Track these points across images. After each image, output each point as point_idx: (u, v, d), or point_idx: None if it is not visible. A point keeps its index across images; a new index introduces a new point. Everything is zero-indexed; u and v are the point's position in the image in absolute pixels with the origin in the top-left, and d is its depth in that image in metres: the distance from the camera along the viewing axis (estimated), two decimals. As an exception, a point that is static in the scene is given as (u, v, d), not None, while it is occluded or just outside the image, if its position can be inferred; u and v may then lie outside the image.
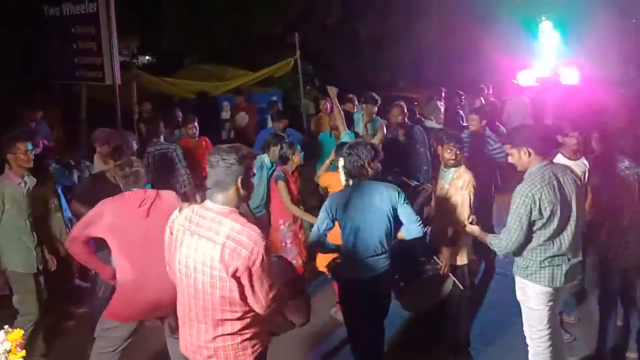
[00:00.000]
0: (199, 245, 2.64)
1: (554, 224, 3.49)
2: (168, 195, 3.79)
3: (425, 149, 6.47)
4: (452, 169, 4.52)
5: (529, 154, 3.56)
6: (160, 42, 15.33)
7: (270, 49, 13.61)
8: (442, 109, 11.34)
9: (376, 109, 6.98)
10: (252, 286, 2.62)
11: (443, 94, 11.45)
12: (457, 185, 4.44)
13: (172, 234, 2.80)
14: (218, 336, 2.74)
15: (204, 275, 2.65)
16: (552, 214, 3.46)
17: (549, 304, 3.65)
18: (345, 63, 17.01)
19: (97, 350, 3.73)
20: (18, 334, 2.29)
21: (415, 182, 5.90)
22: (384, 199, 3.74)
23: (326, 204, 3.83)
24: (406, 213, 3.80)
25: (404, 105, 6.63)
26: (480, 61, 18.66)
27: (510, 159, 3.70)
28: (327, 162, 5.66)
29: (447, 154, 4.49)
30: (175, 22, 14.52)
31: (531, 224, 3.50)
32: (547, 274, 3.59)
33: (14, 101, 8.58)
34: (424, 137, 6.59)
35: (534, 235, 3.55)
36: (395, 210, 3.76)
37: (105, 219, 3.58)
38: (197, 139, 6.99)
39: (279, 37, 14.06)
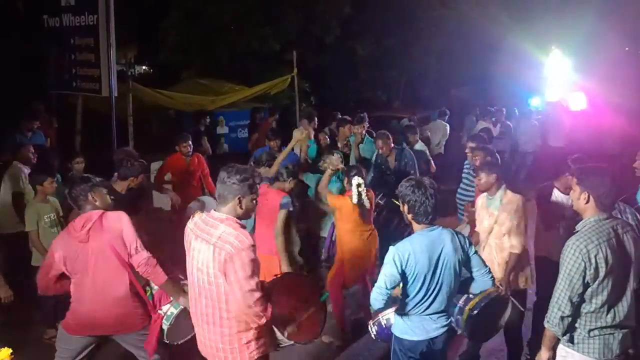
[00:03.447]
0: (200, 247, 2.99)
1: (608, 289, 3.05)
2: (113, 216, 3.73)
3: (415, 171, 6.58)
4: (498, 195, 4.45)
5: (588, 201, 3.11)
6: (158, 55, 15.30)
7: (267, 66, 13.66)
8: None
9: (364, 126, 7.25)
10: (230, 278, 2.85)
11: (447, 116, 11.53)
12: (510, 210, 4.38)
13: (186, 240, 3.09)
14: (220, 336, 3.01)
15: (203, 274, 2.99)
16: (607, 276, 3.02)
17: None
18: (341, 82, 17.09)
19: (56, 355, 3.84)
20: (6, 352, 2.27)
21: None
22: (456, 247, 3.31)
23: (393, 255, 3.26)
24: (478, 263, 3.42)
25: (389, 134, 6.83)
26: (477, 85, 18.90)
27: (571, 193, 3.27)
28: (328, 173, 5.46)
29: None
30: (173, 38, 14.51)
31: (585, 285, 3.03)
32: (598, 344, 3.12)
33: (11, 110, 8.58)
34: (413, 159, 6.79)
35: (585, 300, 3.10)
36: (465, 260, 3.37)
37: (57, 254, 3.66)
38: (190, 156, 7.02)
39: (277, 54, 14.10)
